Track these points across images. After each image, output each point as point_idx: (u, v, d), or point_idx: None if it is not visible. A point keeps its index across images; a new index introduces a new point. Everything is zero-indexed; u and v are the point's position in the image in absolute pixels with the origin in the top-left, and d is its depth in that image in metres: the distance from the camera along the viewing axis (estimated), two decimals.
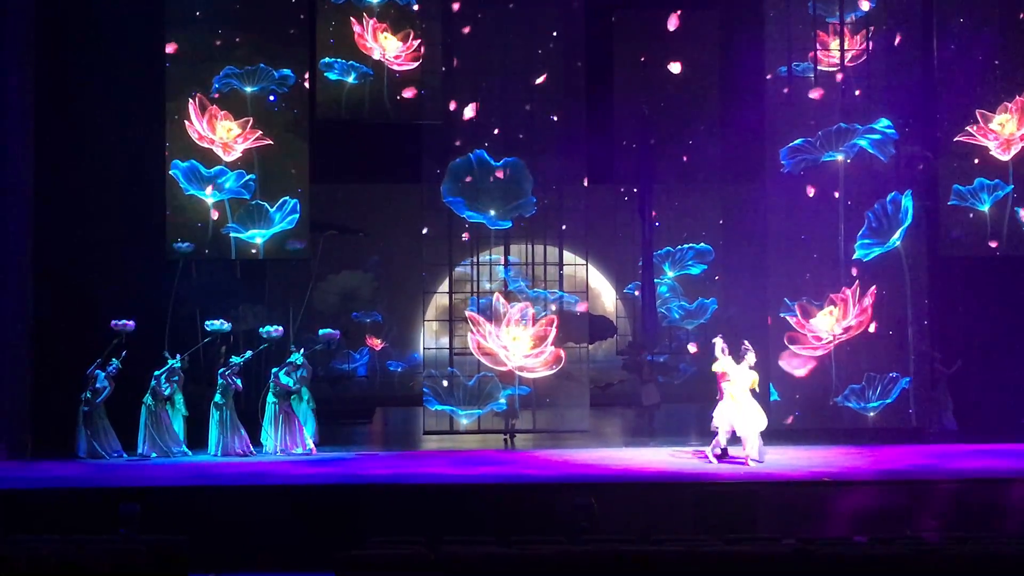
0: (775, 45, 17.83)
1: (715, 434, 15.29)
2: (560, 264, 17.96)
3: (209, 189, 17.61)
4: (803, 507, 13.10)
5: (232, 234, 17.76)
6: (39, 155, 17.06)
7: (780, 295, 17.59)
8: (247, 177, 17.79)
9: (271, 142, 17.82)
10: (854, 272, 17.56)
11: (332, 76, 18.26)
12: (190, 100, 17.68)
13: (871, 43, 17.89)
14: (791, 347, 17.52)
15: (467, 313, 17.68)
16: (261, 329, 16.84)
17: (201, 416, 16.55)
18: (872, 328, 17.44)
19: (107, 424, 16.13)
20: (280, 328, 16.94)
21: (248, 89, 17.91)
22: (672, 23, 18.99)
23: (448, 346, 17.98)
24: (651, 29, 19.52)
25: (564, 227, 17.81)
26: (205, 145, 17.74)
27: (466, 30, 17.98)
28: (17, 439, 16.39)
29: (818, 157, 17.70)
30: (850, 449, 16.47)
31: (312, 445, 16.46)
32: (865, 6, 17.90)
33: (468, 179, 17.68)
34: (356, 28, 18.30)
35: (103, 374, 16.09)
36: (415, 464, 15.76)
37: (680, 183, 19.64)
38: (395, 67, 18.39)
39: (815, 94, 17.73)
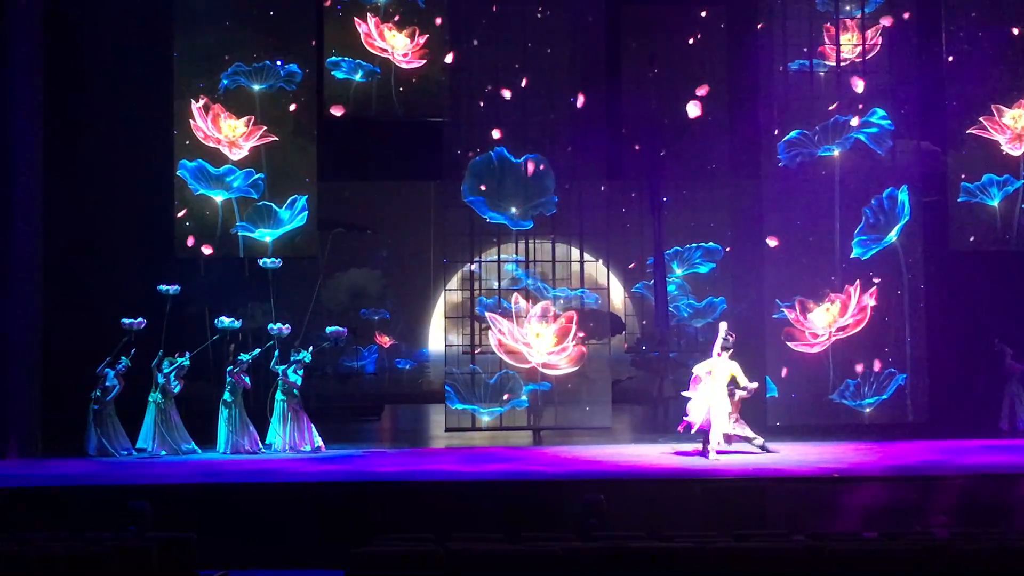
0: (784, 40, 17.82)
1: (703, 431, 15.29)
2: (581, 261, 18.02)
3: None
4: (813, 503, 13.08)
5: (241, 233, 17.79)
6: (47, 154, 17.10)
7: (778, 293, 17.64)
8: (256, 176, 17.82)
9: (276, 139, 17.84)
10: (843, 266, 17.58)
11: (339, 75, 18.26)
12: (192, 100, 17.69)
13: (880, 37, 17.86)
14: (788, 343, 17.55)
15: (486, 313, 17.71)
16: (270, 326, 16.85)
17: (210, 414, 16.59)
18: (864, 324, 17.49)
19: (117, 422, 16.19)
20: (288, 326, 16.95)
21: (255, 87, 17.92)
22: (693, 110, 19.03)
23: (462, 344, 17.98)
24: (659, 25, 19.45)
25: (584, 225, 17.86)
26: (211, 144, 17.77)
27: (475, 25, 17.99)
28: (27, 437, 16.44)
29: (814, 152, 17.71)
30: (859, 445, 16.45)
31: (320, 443, 16.47)
32: None
33: (487, 179, 17.70)
34: (362, 27, 18.30)
35: (112, 372, 16.13)
36: (424, 461, 15.77)
37: (689, 180, 19.59)
38: (403, 65, 18.38)
39: (857, 85, 17.69)
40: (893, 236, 17.65)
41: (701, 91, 18.59)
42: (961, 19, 17.87)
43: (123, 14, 17.53)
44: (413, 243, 22.42)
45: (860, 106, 17.79)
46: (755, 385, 15.76)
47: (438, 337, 18.87)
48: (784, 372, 17.62)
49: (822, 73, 17.98)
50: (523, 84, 17.96)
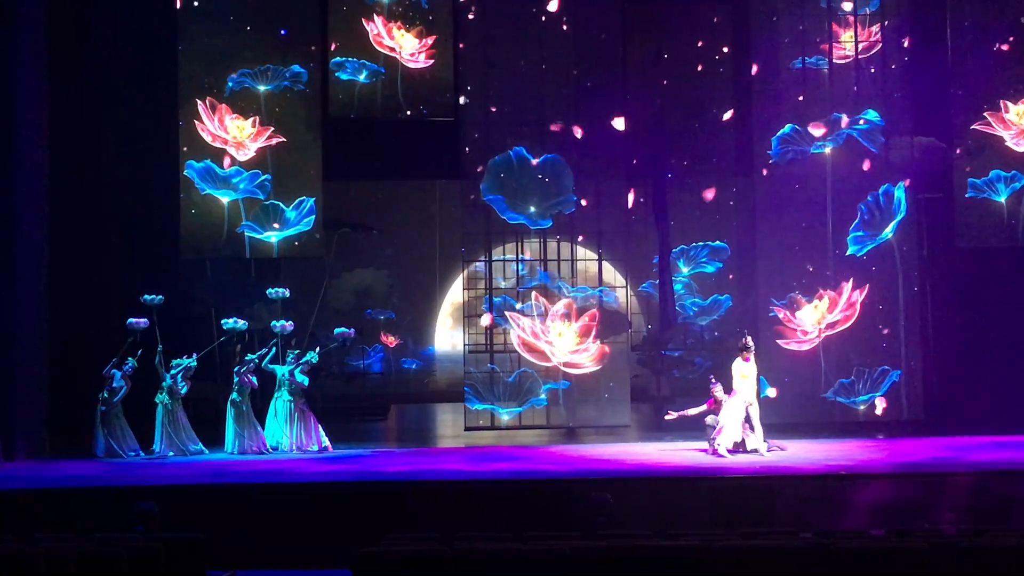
0: (788, 37, 17.81)
1: (714, 429, 15.27)
2: (599, 260, 18.07)
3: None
4: (820, 500, 13.07)
5: (247, 233, 17.81)
6: (54, 155, 17.13)
7: (775, 291, 17.64)
8: (262, 177, 17.84)
9: (284, 139, 17.87)
10: (836, 263, 17.58)
11: (344, 76, 18.27)
12: (199, 101, 17.72)
13: (884, 34, 17.84)
14: (778, 342, 17.54)
15: (506, 313, 17.73)
16: (273, 323, 16.85)
17: (217, 414, 16.60)
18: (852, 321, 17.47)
19: (124, 423, 16.20)
20: (291, 322, 16.94)
21: (261, 88, 17.95)
22: (708, 195, 19.13)
23: (472, 344, 17.98)
24: (663, 21, 19.44)
25: (590, 224, 17.90)
26: (218, 145, 17.80)
27: (479, 26, 18.00)
28: (35, 439, 16.48)
29: (806, 149, 17.70)
30: (866, 442, 16.44)
31: (328, 443, 16.48)
32: None
33: (507, 178, 17.72)
34: (371, 26, 18.30)
35: (119, 373, 16.15)
36: (431, 461, 15.78)
37: (694, 179, 19.59)
38: (410, 64, 18.38)
39: (861, 82, 17.68)
40: (888, 232, 17.63)
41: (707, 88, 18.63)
42: (967, 11, 17.81)
43: (130, 15, 17.55)
44: (419, 243, 22.42)
45: (859, 103, 17.75)
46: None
47: (444, 336, 18.87)
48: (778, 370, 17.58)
49: (825, 70, 17.94)
50: (529, 82, 17.97)
